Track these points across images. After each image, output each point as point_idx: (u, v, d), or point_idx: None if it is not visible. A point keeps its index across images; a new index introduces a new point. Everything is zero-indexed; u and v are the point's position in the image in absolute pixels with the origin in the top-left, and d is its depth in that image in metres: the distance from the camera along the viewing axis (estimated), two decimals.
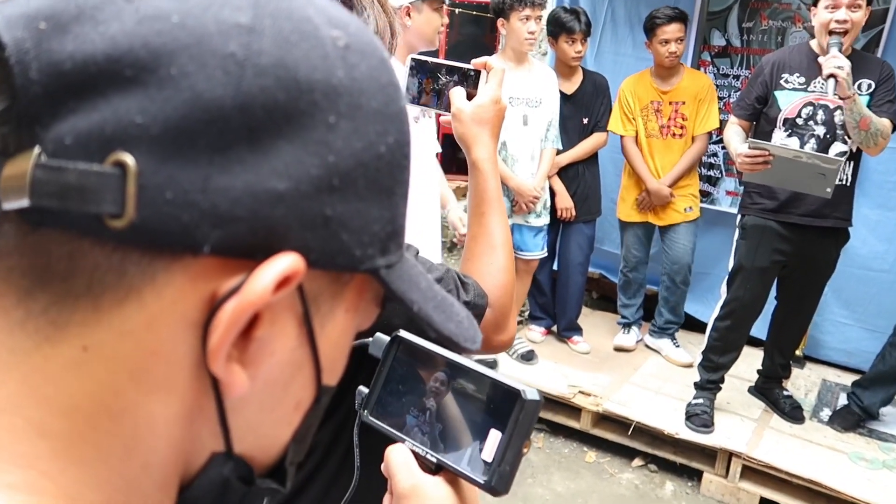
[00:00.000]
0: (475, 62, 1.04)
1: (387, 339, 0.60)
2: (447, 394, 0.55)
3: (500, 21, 2.97)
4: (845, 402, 3.08)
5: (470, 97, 1.01)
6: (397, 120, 0.37)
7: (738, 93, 3.42)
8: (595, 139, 3.33)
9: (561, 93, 3.19)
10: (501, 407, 0.52)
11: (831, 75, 2.28)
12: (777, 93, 2.60)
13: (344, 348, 0.40)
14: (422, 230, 2.05)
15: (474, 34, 5.15)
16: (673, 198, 3.25)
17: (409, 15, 1.95)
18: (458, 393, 0.55)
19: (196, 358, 0.32)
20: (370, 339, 0.60)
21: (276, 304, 0.32)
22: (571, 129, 3.26)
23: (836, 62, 2.29)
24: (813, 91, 2.54)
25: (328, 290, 0.36)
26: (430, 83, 1.09)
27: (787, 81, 2.58)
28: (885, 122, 2.44)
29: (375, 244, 0.36)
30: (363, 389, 0.60)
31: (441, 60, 1.10)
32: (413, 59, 1.11)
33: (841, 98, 2.33)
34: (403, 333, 0.59)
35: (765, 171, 2.37)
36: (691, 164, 3.29)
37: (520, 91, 2.99)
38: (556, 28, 3.17)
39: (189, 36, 0.30)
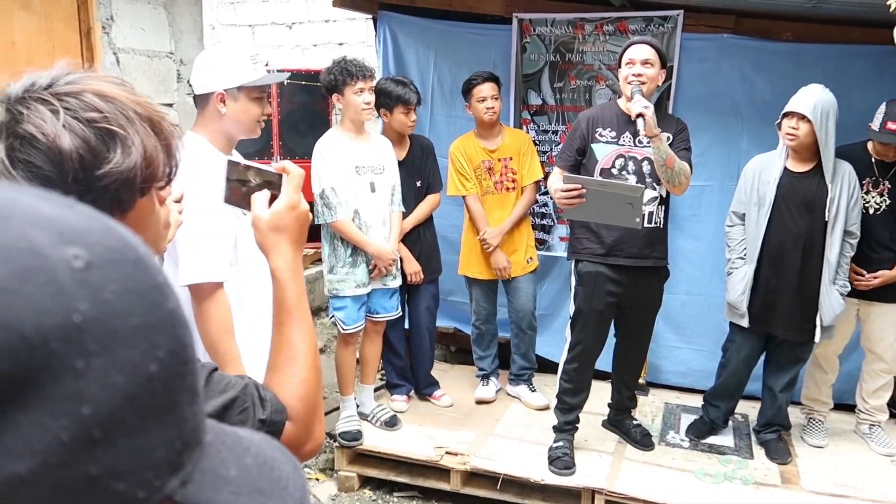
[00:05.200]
0: (275, 166, 1.03)
1: None
2: None
3: (335, 96, 2.98)
4: (687, 421, 3.35)
5: (274, 201, 1.00)
6: (167, 325, 0.33)
7: (559, 146, 3.70)
8: (431, 201, 3.43)
9: None
10: None
11: (640, 115, 2.54)
12: (593, 146, 2.83)
13: None
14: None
15: (306, 102, 5.16)
16: (490, 248, 3.38)
17: (223, 102, 1.87)
18: None
19: None
20: None
21: None
22: (407, 193, 3.31)
23: (642, 103, 2.56)
24: (623, 144, 2.80)
25: None
26: (241, 185, 1.09)
27: (600, 135, 2.83)
28: (686, 166, 2.74)
29: (164, 470, 0.32)
30: None
31: (251, 163, 1.11)
32: (228, 161, 1.11)
33: (648, 137, 2.58)
34: None
35: (581, 206, 2.52)
36: (523, 213, 3.48)
37: (364, 160, 3.03)
38: (391, 100, 3.21)
39: None
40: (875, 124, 2.87)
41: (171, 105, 3.16)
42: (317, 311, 4.93)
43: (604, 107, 2.98)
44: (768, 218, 2.88)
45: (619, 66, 2.77)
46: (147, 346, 0.31)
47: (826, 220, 2.83)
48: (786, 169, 2.89)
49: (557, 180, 2.72)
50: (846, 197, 2.83)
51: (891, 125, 2.81)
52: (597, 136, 2.83)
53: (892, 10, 1.82)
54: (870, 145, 3.00)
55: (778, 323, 2.94)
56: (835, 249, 2.85)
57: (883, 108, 2.86)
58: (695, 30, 3.49)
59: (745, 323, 2.95)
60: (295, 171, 1.01)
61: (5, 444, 0.26)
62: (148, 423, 0.31)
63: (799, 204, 2.85)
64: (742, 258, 2.98)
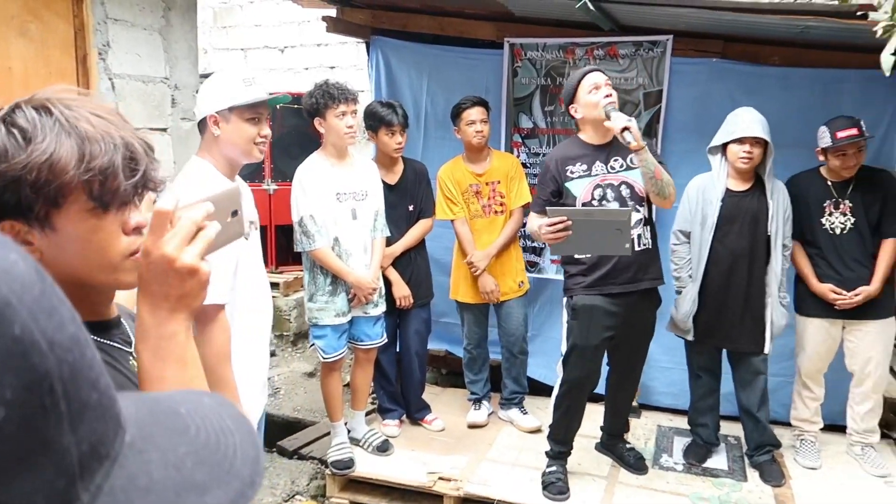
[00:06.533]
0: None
1: None
2: None
3: (316, 120, 2.95)
4: (680, 444, 3.34)
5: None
6: (13, 356, 0.28)
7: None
8: (423, 225, 3.42)
9: (385, 183, 3.22)
10: None
11: (625, 128, 2.52)
12: (568, 184, 2.79)
13: None
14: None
15: (298, 125, 5.16)
16: (478, 271, 3.38)
17: (216, 124, 1.91)
18: None
19: None
20: None
21: None
22: (399, 217, 3.31)
23: (623, 117, 2.57)
24: (596, 174, 2.78)
25: None
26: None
27: (572, 172, 2.78)
28: (670, 177, 2.71)
29: None
30: None
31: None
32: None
33: (635, 151, 2.57)
34: None
35: (568, 239, 2.45)
36: (511, 236, 3.45)
37: (346, 186, 2.98)
38: (375, 122, 3.23)
39: None
40: (824, 142, 2.97)
41: (164, 129, 3.16)
42: (306, 335, 4.92)
43: (566, 145, 2.93)
44: (712, 236, 2.98)
45: (574, 101, 2.75)
46: None
47: (769, 234, 2.95)
48: (727, 189, 2.99)
49: (538, 221, 2.65)
50: (782, 212, 2.99)
51: (840, 133, 2.91)
52: (568, 173, 2.78)
53: (878, 35, 1.85)
54: (822, 170, 3.09)
55: (727, 337, 3.05)
56: (779, 262, 2.98)
57: (824, 128, 2.99)
58: (684, 54, 3.54)
59: (690, 337, 3.09)
60: (164, 207, 0.79)
61: None
62: (7, 478, 0.26)
63: (743, 221, 2.97)
64: (691, 276, 3.06)
